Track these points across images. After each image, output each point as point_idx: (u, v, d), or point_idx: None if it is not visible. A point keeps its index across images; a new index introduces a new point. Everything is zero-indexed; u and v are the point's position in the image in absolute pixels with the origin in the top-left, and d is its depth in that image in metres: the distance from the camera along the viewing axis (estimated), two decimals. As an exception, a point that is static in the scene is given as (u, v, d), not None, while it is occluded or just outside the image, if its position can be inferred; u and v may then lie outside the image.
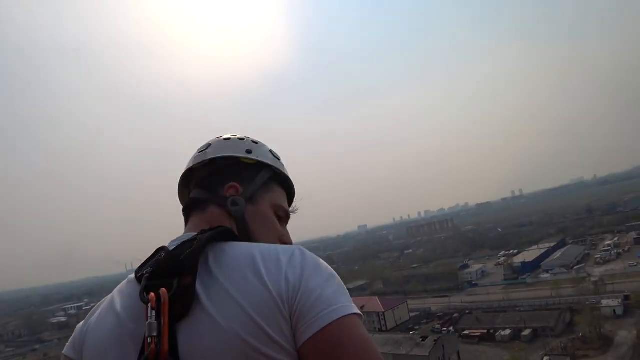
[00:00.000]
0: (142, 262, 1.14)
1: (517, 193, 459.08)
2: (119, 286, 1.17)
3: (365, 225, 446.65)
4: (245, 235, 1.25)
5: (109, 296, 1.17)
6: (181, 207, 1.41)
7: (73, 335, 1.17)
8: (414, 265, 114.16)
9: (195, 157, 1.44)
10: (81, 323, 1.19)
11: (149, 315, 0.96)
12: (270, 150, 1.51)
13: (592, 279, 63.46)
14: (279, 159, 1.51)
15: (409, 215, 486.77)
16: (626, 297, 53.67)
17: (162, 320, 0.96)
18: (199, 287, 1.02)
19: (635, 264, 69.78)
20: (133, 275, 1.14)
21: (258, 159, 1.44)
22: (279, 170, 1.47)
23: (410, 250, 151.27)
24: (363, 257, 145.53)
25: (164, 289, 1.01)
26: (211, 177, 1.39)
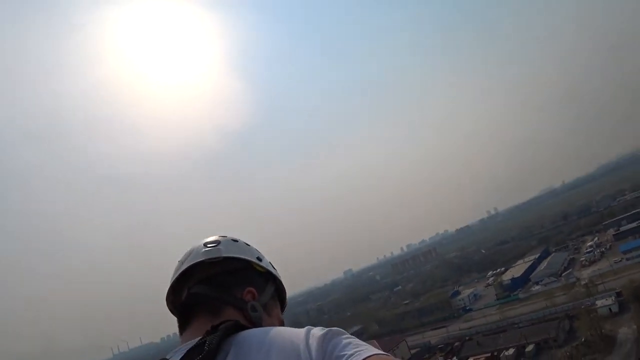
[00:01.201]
0: None
1: (492, 212, 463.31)
2: None
3: (351, 270, 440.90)
4: None
5: None
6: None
7: None
8: (406, 302, 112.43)
9: (206, 252, 1.36)
10: None
11: None
12: (270, 262, 1.53)
13: (583, 282, 63.36)
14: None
15: (392, 252, 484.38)
16: (618, 294, 53.54)
17: None
18: None
19: (619, 259, 70.18)
20: None
21: (267, 268, 1.45)
22: (281, 284, 1.51)
23: (400, 287, 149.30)
24: (353, 302, 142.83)
25: None
26: (225, 276, 1.31)
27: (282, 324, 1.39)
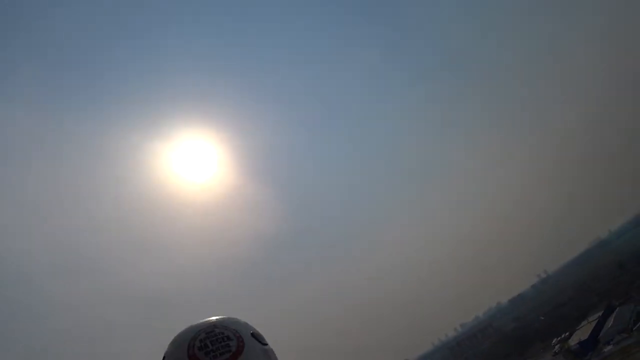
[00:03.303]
0: None
1: (543, 275, 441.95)
2: None
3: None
4: None
5: None
6: None
7: None
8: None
9: (265, 352, 1.31)
10: None
11: None
12: None
13: (658, 333, 57.47)
14: None
15: (446, 335, 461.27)
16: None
17: None
18: None
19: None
20: None
21: None
22: None
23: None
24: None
25: None
26: None
27: None
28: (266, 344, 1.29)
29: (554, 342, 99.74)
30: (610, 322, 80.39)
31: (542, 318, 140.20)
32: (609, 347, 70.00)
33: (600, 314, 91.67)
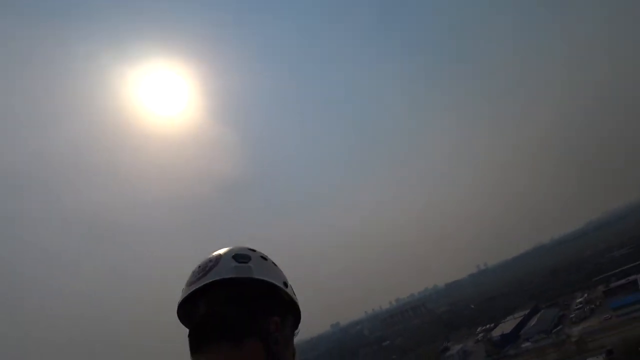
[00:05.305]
0: None
1: (482, 267, 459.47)
2: None
3: (338, 323, 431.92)
4: None
5: None
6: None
7: None
8: (394, 357, 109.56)
9: (237, 268, 1.16)
10: None
11: None
12: (292, 288, 1.31)
13: (573, 339, 62.15)
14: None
15: (380, 307, 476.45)
16: (609, 352, 52.36)
17: None
18: None
19: (609, 316, 69.21)
20: None
21: (293, 297, 1.26)
22: (300, 315, 1.31)
23: (388, 342, 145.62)
24: (341, 356, 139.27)
25: None
26: (252, 301, 1.13)
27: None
28: (244, 262, 1.17)
29: (478, 330, 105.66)
30: (533, 321, 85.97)
31: (473, 307, 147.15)
32: (527, 344, 75.35)
33: (526, 312, 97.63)
